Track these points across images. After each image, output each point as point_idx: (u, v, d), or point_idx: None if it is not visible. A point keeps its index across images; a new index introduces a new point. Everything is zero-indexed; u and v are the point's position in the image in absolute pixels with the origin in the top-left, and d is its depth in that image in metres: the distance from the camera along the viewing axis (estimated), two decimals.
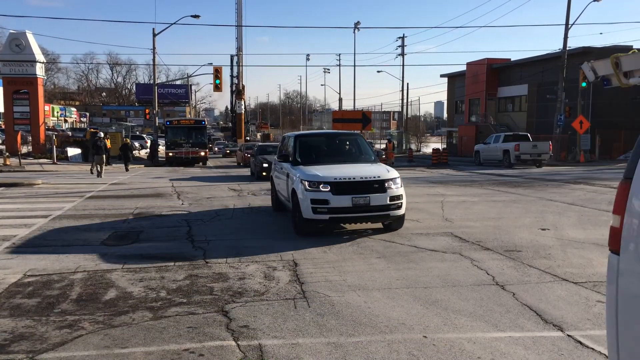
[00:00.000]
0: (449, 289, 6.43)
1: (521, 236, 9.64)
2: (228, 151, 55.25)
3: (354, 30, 63.22)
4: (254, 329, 5.14)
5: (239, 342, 4.83)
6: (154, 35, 40.03)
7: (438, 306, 5.81)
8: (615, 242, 2.81)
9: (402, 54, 58.05)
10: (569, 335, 4.97)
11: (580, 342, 4.80)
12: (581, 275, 7.00)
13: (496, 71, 49.05)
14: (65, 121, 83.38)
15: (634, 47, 40.42)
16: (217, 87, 35.95)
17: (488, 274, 7.06)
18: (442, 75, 59.00)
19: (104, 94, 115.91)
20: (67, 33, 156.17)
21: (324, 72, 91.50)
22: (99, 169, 23.80)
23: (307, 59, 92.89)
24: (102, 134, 27.76)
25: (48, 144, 35.85)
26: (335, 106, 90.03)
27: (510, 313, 5.58)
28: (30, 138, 37.18)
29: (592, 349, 4.66)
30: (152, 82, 50.07)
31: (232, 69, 70.41)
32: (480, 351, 4.62)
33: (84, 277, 7.03)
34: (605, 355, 4.54)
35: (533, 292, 6.30)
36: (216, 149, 66.44)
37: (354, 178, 9.40)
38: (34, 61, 35.56)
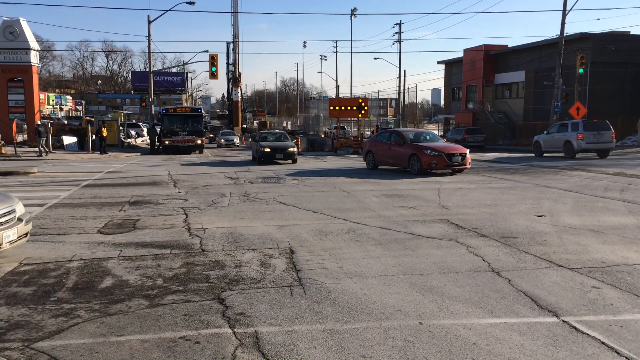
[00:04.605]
0: (445, 275, 6.45)
1: (517, 223, 9.66)
2: (267, 149, 24.03)
3: (351, 16, 62.92)
4: (250, 317, 5.14)
5: (235, 330, 4.84)
6: (149, 22, 39.72)
7: (434, 293, 5.82)
8: None
9: (399, 41, 57.80)
10: (564, 321, 4.99)
11: (575, 328, 4.82)
12: (577, 262, 7.02)
13: (493, 58, 48.90)
14: (61, 109, 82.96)
15: (631, 32, 40.34)
16: (213, 75, 35.77)
17: (484, 261, 7.08)
18: (439, 62, 58.89)
19: (100, 81, 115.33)
20: (61, 20, 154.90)
21: (321, 59, 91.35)
22: (42, 149, 29.76)
23: (304, 46, 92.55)
24: (39, 122, 32.86)
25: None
26: (332, 93, 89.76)
27: (505, 299, 5.60)
28: (25, 126, 37.01)
29: (587, 334, 4.69)
30: (147, 69, 49.79)
31: (228, 57, 70.12)
32: (476, 337, 4.63)
33: (80, 266, 7.02)
34: (600, 340, 4.57)
35: (528, 278, 6.32)
36: (222, 140, 46.98)
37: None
38: (28, 49, 35.27)
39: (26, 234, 7.51)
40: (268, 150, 24.10)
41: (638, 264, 6.89)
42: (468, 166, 18.81)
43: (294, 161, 24.50)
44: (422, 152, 18.29)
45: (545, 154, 27.66)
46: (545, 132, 28.79)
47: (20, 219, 7.32)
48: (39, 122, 32.62)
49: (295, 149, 24.93)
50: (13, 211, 7.24)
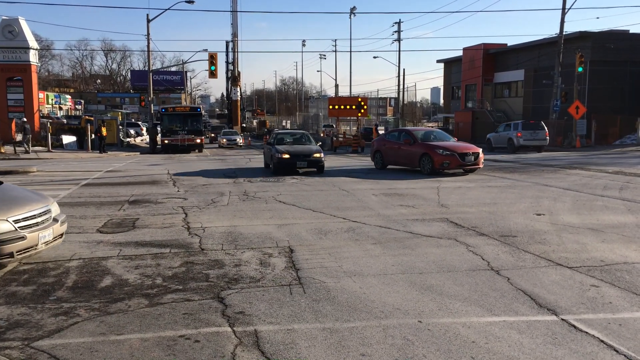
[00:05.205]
0: (444, 274, 6.45)
1: (516, 221, 9.66)
2: (285, 156, 18.60)
3: (350, 15, 62.94)
4: (249, 315, 5.15)
5: (234, 328, 4.84)
6: (148, 21, 39.68)
7: (433, 291, 5.83)
8: None
9: (399, 40, 57.82)
10: (563, 319, 5.00)
11: (574, 326, 4.83)
12: (576, 260, 7.03)
13: (493, 56, 48.88)
14: (60, 108, 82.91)
15: (630, 31, 40.35)
16: (212, 74, 35.73)
17: (483, 259, 7.09)
18: (438, 61, 58.99)
19: (99, 81, 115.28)
20: (60, 19, 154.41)
21: (320, 58, 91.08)
22: (26, 147, 30.75)
23: (303, 45, 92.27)
24: (25, 119, 33.29)
25: (43, 131, 35.67)
26: (331, 92, 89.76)
27: (504, 298, 5.60)
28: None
29: (586, 332, 4.69)
30: (147, 68, 49.75)
31: (227, 56, 70.11)
32: (475, 335, 4.64)
33: (79, 265, 7.02)
34: (599, 338, 4.58)
35: (528, 276, 6.33)
36: (224, 140, 43.73)
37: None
38: (27, 48, 35.26)
39: (61, 234, 7.31)
40: (287, 156, 18.49)
41: (637, 263, 6.90)
42: (481, 166, 18.09)
43: (320, 170, 18.92)
44: (434, 152, 17.55)
45: (495, 149, 32.87)
46: (495, 130, 34.33)
47: (55, 220, 7.15)
48: (25, 120, 33.23)
49: (322, 154, 19.03)
50: (49, 211, 7.07)
